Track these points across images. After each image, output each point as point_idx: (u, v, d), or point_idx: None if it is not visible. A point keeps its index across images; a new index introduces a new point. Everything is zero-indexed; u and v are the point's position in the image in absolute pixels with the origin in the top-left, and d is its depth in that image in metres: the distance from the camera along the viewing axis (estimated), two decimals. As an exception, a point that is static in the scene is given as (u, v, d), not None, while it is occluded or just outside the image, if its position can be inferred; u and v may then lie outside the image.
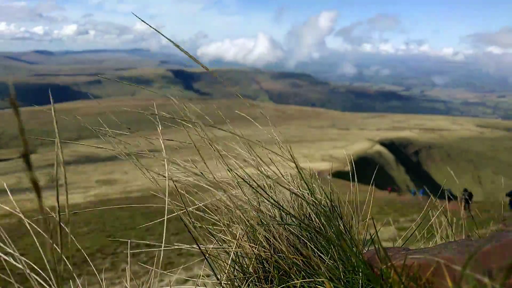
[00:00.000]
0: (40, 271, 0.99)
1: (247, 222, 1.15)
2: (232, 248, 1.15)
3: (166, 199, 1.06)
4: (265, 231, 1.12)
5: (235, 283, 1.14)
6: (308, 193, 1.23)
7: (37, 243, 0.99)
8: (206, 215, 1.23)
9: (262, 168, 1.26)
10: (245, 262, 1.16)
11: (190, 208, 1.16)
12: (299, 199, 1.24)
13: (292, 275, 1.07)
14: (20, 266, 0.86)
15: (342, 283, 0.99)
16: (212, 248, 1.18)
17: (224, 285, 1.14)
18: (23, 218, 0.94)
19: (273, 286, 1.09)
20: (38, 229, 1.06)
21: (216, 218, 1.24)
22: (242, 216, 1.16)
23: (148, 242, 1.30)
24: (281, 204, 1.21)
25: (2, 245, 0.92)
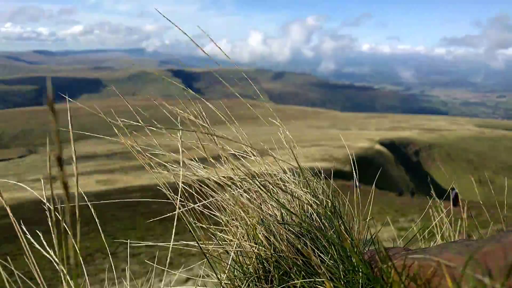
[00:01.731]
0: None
1: (248, 222, 1.16)
2: (232, 248, 1.15)
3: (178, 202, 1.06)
4: (265, 230, 1.13)
5: (235, 283, 1.14)
6: (309, 192, 1.23)
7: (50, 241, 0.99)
8: (207, 214, 1.23)
9: (264, 168, 1.26)
10: (245, 262, 1.16)
11: (192, 206, 1.16)
12: (302, 196, 1.24)
13: (292, 275, 1.07)
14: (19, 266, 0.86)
15: (342, 283, 0.99)
16: (213, 247, 1.18)
17: (224, 285, 1.14)
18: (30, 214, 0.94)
19: (273, 286, 1.09)
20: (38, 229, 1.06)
21: (216, 217, 1.24)
22: (243, 215, 1.16)
23: (149, 243, 1.30)
24: (283, 204, 1.22)
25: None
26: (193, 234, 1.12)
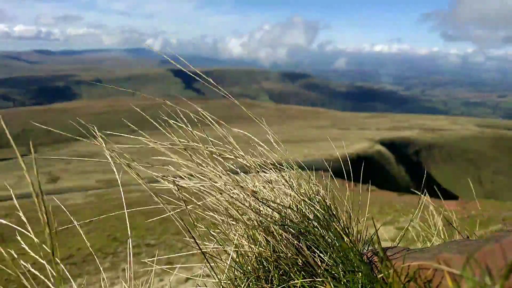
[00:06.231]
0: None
1: (246, 222, 1.16)
2: (232, 248, 1.15)
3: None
4: (264, 231, 1.13)
5: (235, 283, 1.15)
6: (308, 192, 1.23)
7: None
8: (207, 215, 1.23)
9: (262, 168, 1.26)
10: (245, 262, 1.16)
11: (190, 207, 1.16)
12: (299, 199, 1.24)
13: (292, 275, 1.07)
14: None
15: (342, 283, 0.99)
16: (212, 248, 1.18)
17: (224, 285, 1.14)
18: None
19: (273, 286, 1.09)
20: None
21: (216, 218, 1.24)
22: (241, 217, 1.16)
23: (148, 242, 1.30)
24: (281, 204, 1.21)
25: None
26: (193, 234, 1.12)
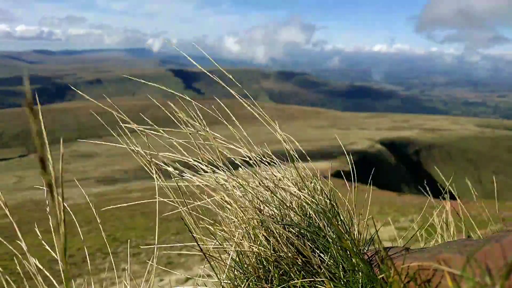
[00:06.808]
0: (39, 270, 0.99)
1: (247, 222, 1.16)
2: (232, 248, 1.15)
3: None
4: (265, 230, 1.12)
5: (235, 283, 1.15)
6: (308, 192, 1.23)
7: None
8: (207, 214, 1.23)
9: (262, 168, 1.26)
10: (245, 261, 1.16)
11: (190, 205, 1.16)
12: (300, 197, 1.24)
13: (292, 274, 1.07)
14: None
15: (342, 282, 0.99)
16: (212, 248, 1.18)
17: (224, 285, 1.14)
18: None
19: (273, 286, 1.09)
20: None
21: (216, 217, 1.24)
22: (242, 215, 1.16)
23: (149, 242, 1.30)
24: (281, 204, 1.22)
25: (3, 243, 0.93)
26: (192, 234, 1.12)
